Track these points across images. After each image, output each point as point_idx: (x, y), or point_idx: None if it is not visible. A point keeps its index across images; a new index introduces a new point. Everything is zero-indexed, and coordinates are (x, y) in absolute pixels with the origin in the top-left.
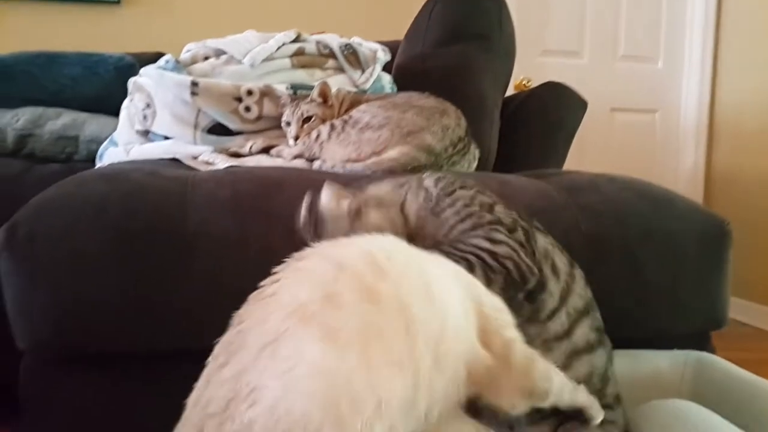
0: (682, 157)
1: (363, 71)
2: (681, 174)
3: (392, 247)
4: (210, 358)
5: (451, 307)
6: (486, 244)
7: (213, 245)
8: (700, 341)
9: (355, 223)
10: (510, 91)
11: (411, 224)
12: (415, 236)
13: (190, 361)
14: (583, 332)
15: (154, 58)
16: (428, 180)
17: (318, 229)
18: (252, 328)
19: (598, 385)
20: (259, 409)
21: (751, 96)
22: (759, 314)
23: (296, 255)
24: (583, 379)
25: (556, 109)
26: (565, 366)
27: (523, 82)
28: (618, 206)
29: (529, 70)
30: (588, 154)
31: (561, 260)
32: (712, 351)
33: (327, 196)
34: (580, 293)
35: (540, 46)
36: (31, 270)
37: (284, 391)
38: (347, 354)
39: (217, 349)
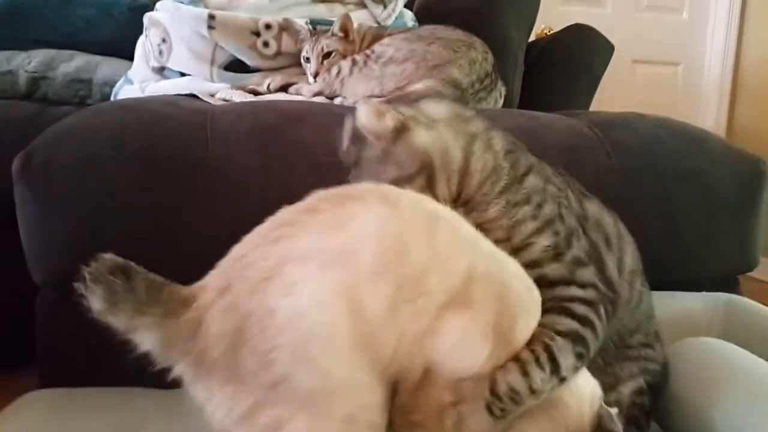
0: (703, 112)
1: (385, 6)
2: None
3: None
4: (268, 219)
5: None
6: (578, 292)
7: (234, 177)
8: (729, 285)
9: (397, 141)
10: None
11: (466, 188)
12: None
13: None
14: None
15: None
16: (497, 141)
17: (357, 153)
18: (313, 224)
19: (647, 325)
20: (289, 302)
21: None
22: None
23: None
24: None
25: (581, 53)
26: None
27: (545, 31)
28: (651, 143)
29: (550, 19)
30: (607, 106)
31: (609, 223)
32: (740, 294)
33: (365, 112)
34: (632, 252)
35: None
36: (47, 199)
37: (317, 306)
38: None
39: (279, 217)
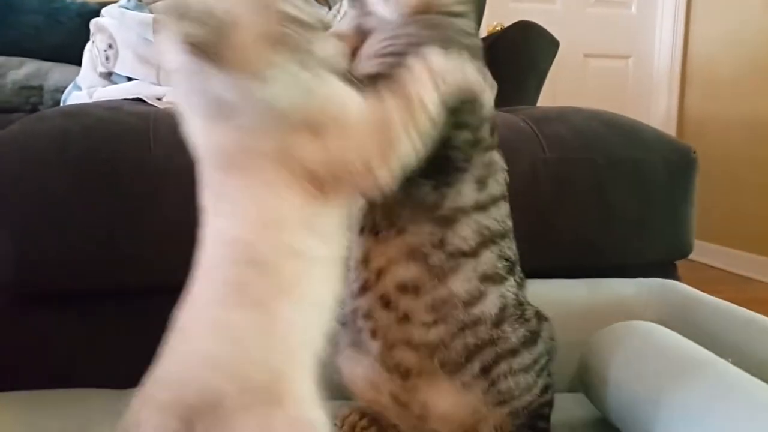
0: (655, 102)
1: (330, 8)
2: (654, 119)
3: None
4: None
5: None
6: None
7: (178, 180)
8: (666, 271)
9: None
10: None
11: None
12: None
13: (160, 296)
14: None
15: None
16: None
17: None
18: None
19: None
20: None
21: (723, 41)
22: (728, 257)
23: None
24: (501, 308)
25: (527, 49)
26: (480, 293)
27: (497, 28)
28: (584, 135)
29: (502, 16)
30: (561, 100)
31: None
32: (679, 280)
33: None
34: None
35: None
36: None
37: None
38: None
39: None
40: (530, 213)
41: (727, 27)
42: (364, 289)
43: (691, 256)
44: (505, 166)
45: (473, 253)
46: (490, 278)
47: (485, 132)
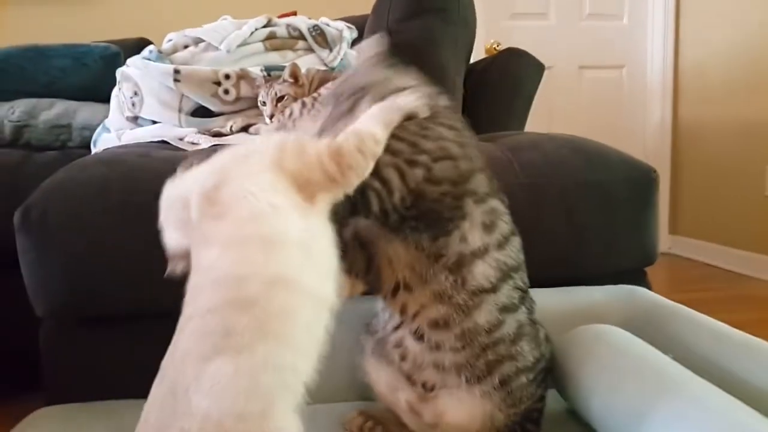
0: (649, 110)
1: (331, 50)
2: (648, 127)
3: None
4: None
5: None
6: None
7: None
8: (636, 277)
9: None
10: (480, 55)
11: None
12: None
13: None
14: (507, 291)
15: (136, 43)
16: None
17: None
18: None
19: (533, 331)
20: None
21: (713, 50)
22: (726, 256)
23: None
24: (517, 328)
25: (514, 74)
26: (499, 322)
27: (494, 46)
28: (555, 161)
29: (498, 34)
30: (558, 111)
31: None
32: (648, 286)
33: None
34: (511, 254)
35: (508, 10)
36: (44, 246)
37: None
38: None
39: None
40: None
41: (716, 35)
42: (397, 327)
43: (688, 255)
44: (506, 210)
45: (493, 289)
46: (507, 308)
47: (475, 185)
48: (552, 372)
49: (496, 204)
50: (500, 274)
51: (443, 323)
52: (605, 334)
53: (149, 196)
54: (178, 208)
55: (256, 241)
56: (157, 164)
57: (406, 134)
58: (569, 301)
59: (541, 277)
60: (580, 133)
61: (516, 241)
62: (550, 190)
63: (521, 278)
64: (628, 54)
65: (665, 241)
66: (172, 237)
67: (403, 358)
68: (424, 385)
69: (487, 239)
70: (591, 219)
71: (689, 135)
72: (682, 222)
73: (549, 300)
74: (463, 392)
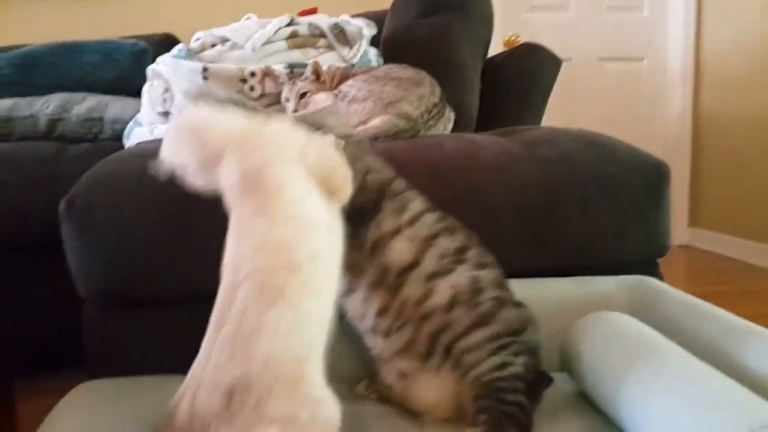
0: (669, 102)
1: (351, 47)
2: (669, 118)
3: None
4: None
5: None
6: None
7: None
8: (648, 268)
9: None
10: (499, 48)
11: None
12: None
13: None
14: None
15: (161, 39)
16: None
17: None
18: None
19: (468, 295)
20: None
21: (734, 40)
22: (747, 249)
23: None
24: (452, 296)
25: (531, 69)
26: (428, 290)
27: (512, 38)
28: (569, 155)
29: (517, 26)
30: (578, 103)
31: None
32: (660, 277)
33: None
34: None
35: (528, 2)
36: (87, 234)
37: None
38: None
39: None
40: (524, 224)
41: (738, 26)
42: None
43: (708, 247)
44: (417, 195)
45: (415, 263)
46: (435, 275)
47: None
48: (563, 357)
49: (409, 194)
50: (417, 246)
51: (384, 309)
52: (613, 320)
53: (181, 188)
54: (203, 147)
55: (301, 219)
56: None
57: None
58: (581, 289)
59: (556, 266)
60: (600, 125)
61: (429, 216)
62: (565, 183)
63: (449, 243)
64: (649, 46)
65: (684, 233)
66: (180, 155)
67: (375, 355)
68: (400, 376)
69: (398, 221)
70: (604, 211)
71: (710, 127)
72: (702, 214)
73: (562, 289)
74: (424, 372)
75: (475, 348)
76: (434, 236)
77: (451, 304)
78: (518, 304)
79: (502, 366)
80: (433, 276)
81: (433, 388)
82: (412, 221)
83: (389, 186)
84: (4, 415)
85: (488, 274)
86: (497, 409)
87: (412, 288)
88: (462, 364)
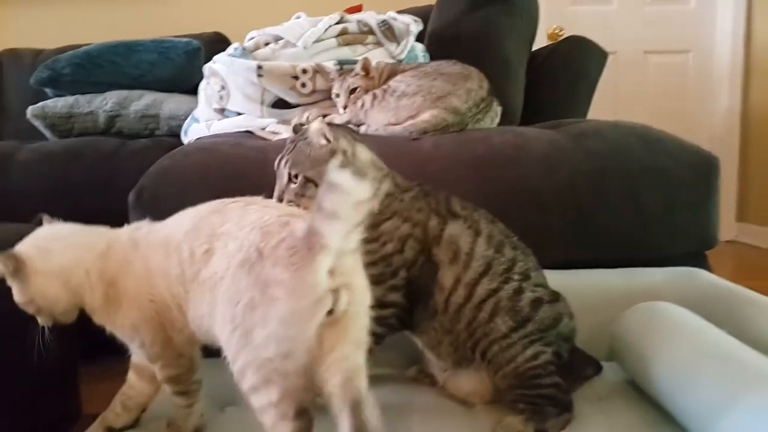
0: (717, 96)
1: (398, 44)
2: (716, 113)
3: None
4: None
5: None
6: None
7: None
8: (696, 260)
9: (326, 158)
10: (543, 41)
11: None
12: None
13: None
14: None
15: (211, 38)
16: (383, 187)
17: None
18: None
19: (509, 303)
20: None
21: None
22: None
23: None
24: (493, 308)
25: (577, 62)
26: (475, 315)
27: (556, 31)
28: (617, 147)
29: (561, 19)
30: (622, 97)
31: (465, 242)
32: (708, 269)
33: (315, 126)
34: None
35: None
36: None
37: None
38: None
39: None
40: (572, 216)
41: None
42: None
43: (756, 242)
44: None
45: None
46: (485, 299)
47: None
48: (612, 346)
49: (451, 229)
50: (471, 287)
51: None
52: (663, 310)
53: (242, 179)
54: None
55: None
56: (247, 151)
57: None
58: (631, 281)
59: (604, 258)
60: (645, 119)
61: (481, 245)
62: (614, 176)
63: (498, 266)
64: (695, 38)
65: (732, 228)
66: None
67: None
68: (441, 370)
69: (455, 270)
70: (653, 204)
71: (760, 121)
72: (749, 209)
73: (612, 280)
74: (463, 369)
75: (510, 347)
76: (486, 269)
77: (493, 314)
78: (554, 299)
79: (534, 357)
80: (482, 302)
81: (470, 382)
82: (467, 265)
83: (428, 232)
84: (70, 398)
85: (529, 280)
86: (533, 394)
87: (465, 317)
88: (496, 362)
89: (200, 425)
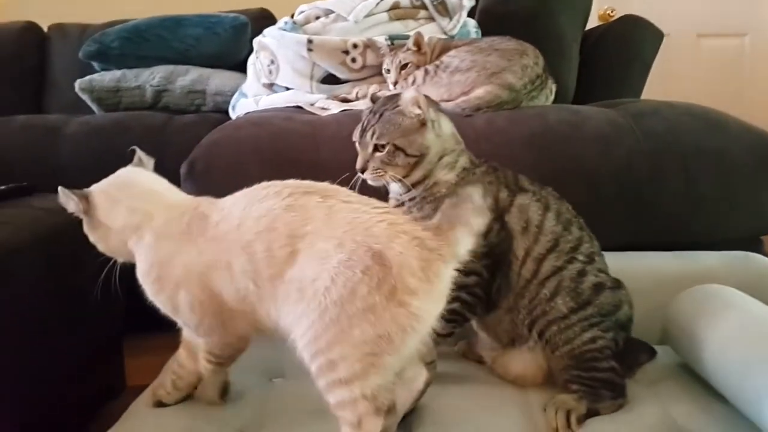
0: None
1: (451, 18)
2: None
3: None
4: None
5: None
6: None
7: (338, 170)
8: (752, 244)
9: (418, 127)
10: (595, 22)
11: (430, 178)
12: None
13: None
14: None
15: (257, 13)
16: (460, 162)
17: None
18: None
19: (572, 284)
20: None
21: None
22: None
23: None
24: (556, 286)
25: (632, 41)
26: (538, 291)
27: (608, 12)
28: (675, 128)
29: (613, 0)
30: (674, 82)
31: (534, 212)
32: (764, 254)
33: (410, 94)
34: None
35: None
36: (207, 193)
37: None
38: None
39: None
40: (628, 197)
41: None
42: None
43: None
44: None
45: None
46: (549, 276)
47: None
48: (667, 329)
49: (520, 200)
50: (539, 261)
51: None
52: (717, 292)
53: (294, 153)
54: None
55: None
56: (298, 126)
57: None
58: (686, 264)
59: (660, 241)
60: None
61: (550, 219)
62: (671, 156)
63: (565, 244)
64: (751, 21)
65: None
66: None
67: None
68: (491, 349)
69: (525, 242)
70: (710, 185)
71: None
72: None
73: (666, 263)
74: (515, 349)
75: (569, 328)
76: (554, 245)
77: (554, 293)
78: (616, 286)
79: (593, 340)
80: (546, 279)
81: (522, 362)
82: (536, 238)
83: (499, 203)
84: (115, 371)
85: (593, 264)
86: (588, 376)
87: (528, 293)
88: (553, 342)
89: (226, 382)
